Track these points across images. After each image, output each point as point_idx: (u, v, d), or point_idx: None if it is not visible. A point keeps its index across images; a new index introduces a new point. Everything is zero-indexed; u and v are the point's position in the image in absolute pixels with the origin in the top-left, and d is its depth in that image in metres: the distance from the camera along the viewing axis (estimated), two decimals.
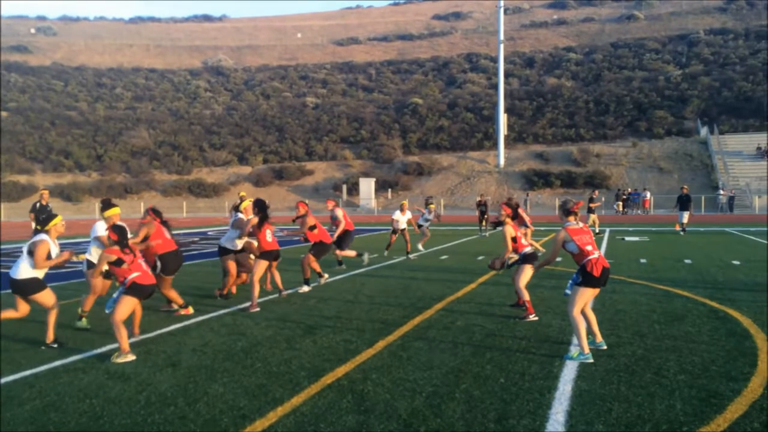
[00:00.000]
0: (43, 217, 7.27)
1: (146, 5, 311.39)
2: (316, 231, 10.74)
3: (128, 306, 6.49)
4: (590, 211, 24.17)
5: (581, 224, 6.40)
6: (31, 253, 6.87)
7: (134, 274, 6.52)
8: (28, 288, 6.85)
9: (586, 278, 6.10)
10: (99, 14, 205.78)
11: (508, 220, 8.57)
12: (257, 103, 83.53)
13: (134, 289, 6.52)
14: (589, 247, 6.17)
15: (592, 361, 5.89)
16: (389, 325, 7.75)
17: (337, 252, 13.37)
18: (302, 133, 71.66)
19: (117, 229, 6.63)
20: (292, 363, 6.04)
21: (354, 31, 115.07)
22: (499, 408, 4.70)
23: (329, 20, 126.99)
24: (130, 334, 6.94)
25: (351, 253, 13.63)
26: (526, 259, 8.29)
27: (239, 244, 10.10)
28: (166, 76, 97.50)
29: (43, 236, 6.94)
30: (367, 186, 55.27)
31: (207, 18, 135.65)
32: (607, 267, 6.16)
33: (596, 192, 29.68)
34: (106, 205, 8.25)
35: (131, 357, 6.27)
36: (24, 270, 6.85)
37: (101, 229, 8.14)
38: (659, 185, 48.92)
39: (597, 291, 6.23)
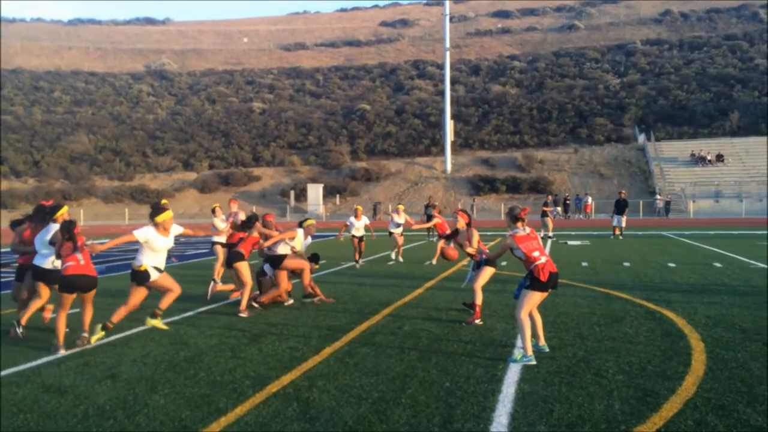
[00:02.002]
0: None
1: (86, 6, 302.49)
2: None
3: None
4: (544, 215, 24.78)
5: (528, 230, 6.49)
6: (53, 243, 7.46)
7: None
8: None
9: (533, 282, 6.22)
10: (36, 15, 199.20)
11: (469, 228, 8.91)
12: (203, 108, 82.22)
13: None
14: (536, 253, 6.28)
15: (534, 363, 6.01)
16: (336, 331, 7.72)
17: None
18: (249, 138, 70.89)
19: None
20: (237, 372, 5.95)
21: (301, 37, 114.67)
22: (444, 412, 4.74)
23: (276, 25, 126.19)
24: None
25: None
26: (488, 261, 8.39)
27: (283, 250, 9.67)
28: (107, 79, 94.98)
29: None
30: (315, 192, 55.07)
31: (150, 21, 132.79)
32: (554, 272, 6.29)
33: (550, 197, 30.53)
34: (157, 209, 7.82)
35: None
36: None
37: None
38: (600, 190, 50.35)
39: (545, 295, 6.36)
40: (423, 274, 13.44)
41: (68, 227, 7.14)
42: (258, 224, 9.94)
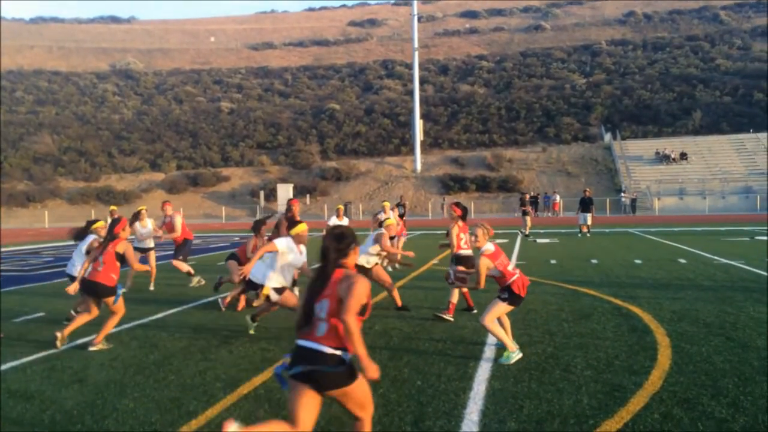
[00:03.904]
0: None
1: (48, 5, 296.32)
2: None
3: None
4: (525, 213, 25.02)
5: (493, 246, 6.33)
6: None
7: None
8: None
9: (512, 298, 6.16)
10: None
11: (460, 221, 8.68)
12: (169, 108, 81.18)
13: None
14: (510, 268, 6.24)
15: (520, 355, 6.08)
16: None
17: (173, 262, 12.22)
18: (217, 138, 70.18)
19: None
20: (207, 374, 5.90)
21: (269, 36, 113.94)
22: (416, 410, 4.76)
23: (243, 24, 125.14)
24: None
25: (184, 266, 12.08)
26: (460, 260, 8.39)
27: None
28: (71, 79, 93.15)
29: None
30: (285, 192, 54.70)
31: (114, 19, 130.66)
32: (528, 284, 6.33)
33: (528, 195, 30.05)
34: (293, 222, 7.67)
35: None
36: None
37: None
38: (567, 188, 51.01)
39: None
40: (394, 274, 13.47)
41: (110, 226, 7.45)
42: (262, 231, 9.73)
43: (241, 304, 9.57)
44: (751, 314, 8.07)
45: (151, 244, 12.34)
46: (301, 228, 7.46)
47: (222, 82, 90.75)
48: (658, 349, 6.36)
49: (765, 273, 11.92)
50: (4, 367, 6.39)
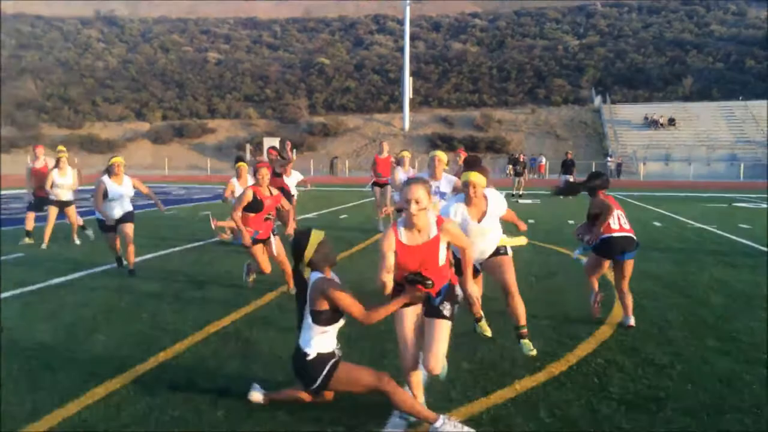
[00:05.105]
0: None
1: None
2: None
3: None
4: (517, 174, 25.10)
5: None
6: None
7: None
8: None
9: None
10: None
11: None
12: (155, 57, 79.83)
13: None
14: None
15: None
16: (282, 279, 7.86)
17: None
18: (204, 89, 69.39)
19: None
20: (179, 314, 6.07)
21: None
22: (377, 348, 4.96)
23: None
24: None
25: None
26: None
27: None
28: (54, 24, 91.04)
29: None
30: (272, 146, 54.41)
31: None
32: None
33: (522, 156, 29.00)
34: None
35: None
36: None
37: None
38: (556, 151, 51.10)
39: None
40: (374, 228, 13.61)
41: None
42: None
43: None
44: (714, 275, 8.33)
45: (69, 196, 11.08)
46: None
47: (209, 32, 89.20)
48: (614, 303, 6.59)
49: (736, 238, 12.22)
50: None
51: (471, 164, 4.80)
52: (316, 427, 3.67)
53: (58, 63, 77.44)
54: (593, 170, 9.26)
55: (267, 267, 7.11)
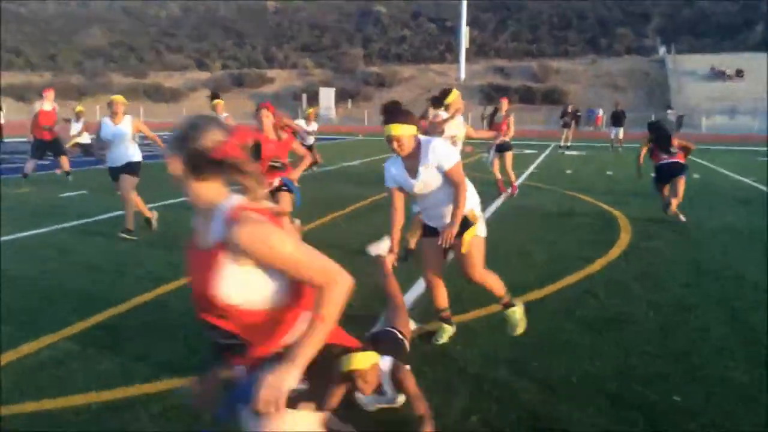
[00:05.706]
0: None
1: None
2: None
3: None
4: (565, 125, 24.67)
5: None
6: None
7: None
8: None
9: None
10: None
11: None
12: (216, 6, 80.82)
13: None
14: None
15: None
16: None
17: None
18: (262, 39, 70.14)
19: None
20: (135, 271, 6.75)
21: None
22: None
23: None
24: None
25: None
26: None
27: None
28: None
29: None
30: (327, 96, 55.01)
31: None
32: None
33: (570, 107, 27.78)
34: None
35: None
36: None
37: None
38: (614, 103, 49.77)
39: None
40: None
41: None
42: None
43: None
44: (727, 221, 8.55)
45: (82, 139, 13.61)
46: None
47: None
48: (615, 243, 6.99)
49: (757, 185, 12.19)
50: None
51: (389, 113, 3.91)
52: None
53: (122, 11, 79.44)
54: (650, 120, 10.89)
55: None
